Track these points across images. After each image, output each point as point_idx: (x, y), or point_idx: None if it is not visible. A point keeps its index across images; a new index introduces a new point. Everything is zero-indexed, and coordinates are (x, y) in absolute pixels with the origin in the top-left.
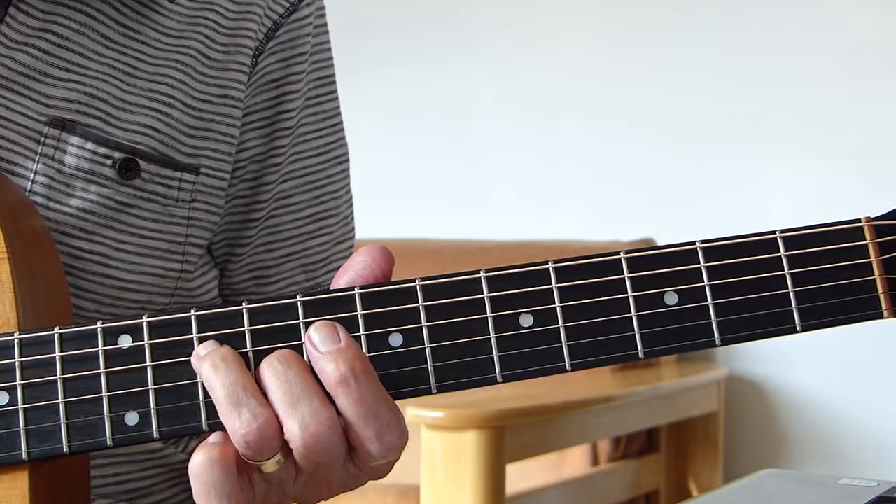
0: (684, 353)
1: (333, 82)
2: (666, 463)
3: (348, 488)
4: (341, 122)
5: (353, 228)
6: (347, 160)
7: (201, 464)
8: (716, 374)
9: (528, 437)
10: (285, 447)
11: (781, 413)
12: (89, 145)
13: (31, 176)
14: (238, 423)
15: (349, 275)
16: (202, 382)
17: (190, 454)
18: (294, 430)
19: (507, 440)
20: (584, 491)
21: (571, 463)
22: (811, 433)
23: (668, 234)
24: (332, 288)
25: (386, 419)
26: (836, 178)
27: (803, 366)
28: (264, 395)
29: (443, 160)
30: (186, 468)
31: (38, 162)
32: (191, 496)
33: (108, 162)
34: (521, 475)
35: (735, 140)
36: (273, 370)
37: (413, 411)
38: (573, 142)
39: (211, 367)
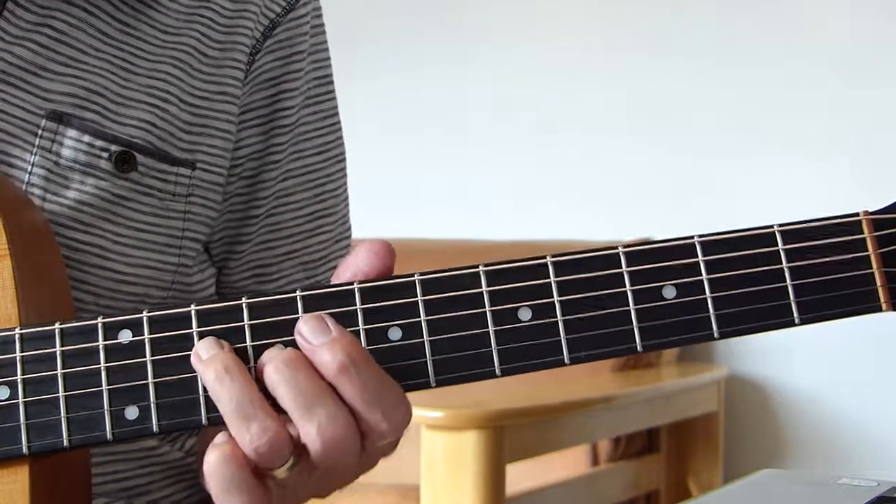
0: (683, 346)
1: (331, 82)
2: (666, 463)
3: (360, 474)
4: (339, 122)
5: (349, 227)
6: (345, 159)
7: (216, 462)
8: (716, 374)
9: (528, 437)
10: (296, 451)
11: (781, 413)
12: (86, 138)
13: (29, 168)
14: (248, 436)
15: (351, 270)
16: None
17: (187, 453)
18: (311, 435)
19: (507, 440)
20: (584, 491)
21: (571, 463)
22: (811, 433)
23: (667, 235)
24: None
25: (390, 399)
26: (836, 180)
27: (803, 366)
28: (271, 401)
29: (443, 161)
30: (184, 467)
31: (35, 154)
32: (189, 495)
33: (105, 155)
34: (521, 475)
35: (735, 142)
36: (281, 375)
37: (413, 411)
38: (572, 143)
39: (215, 379)
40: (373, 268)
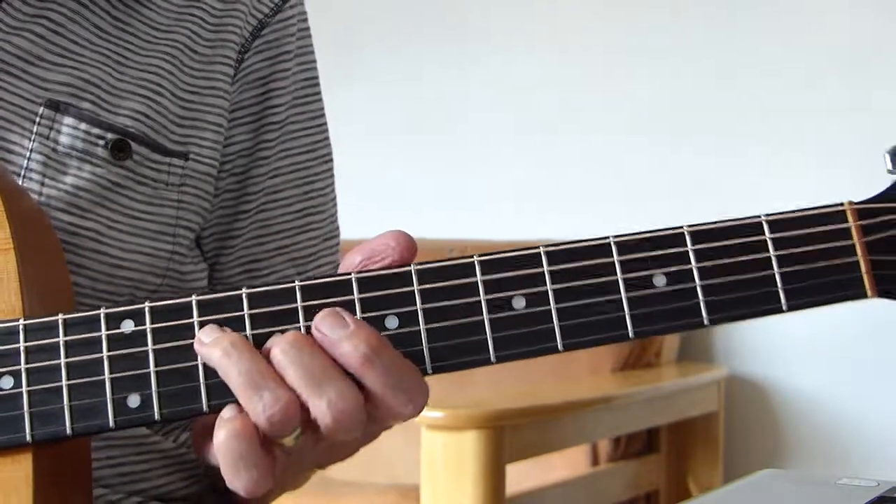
0: (674, 333)
1: (318, 85)
2: (666, 463)
3: (362, 447)
4: (326, 123)
5: (338, 227)
6: (332, 160)
7: (226, 439)
8: (716, 374)
9: (528, 437)
10: (304, 422)
11: (781, 413)
12: (83, 126)
13: (27, 154)
14: (260, 405)
15: (366, 253)
16: (203, 365)
17: (181, 445)
18: (322, 409)
19: (507, 440)
20: (584, 491)
21: (571, 463)
22: (811, 433)
23: None
24: (343, 261)
25: (410, 383)
26: (835, 181)
27: (803, 366)
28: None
29: (442, 161)
30: (180, 456)
31: (33, 141)
32: (187, 485)
33: (101, 142)
34: (521, 475)
35: (734, 142)
36: (287, 356)
37: None
38: (570, 144)
39: (223, 354)
40: (396, 256)
